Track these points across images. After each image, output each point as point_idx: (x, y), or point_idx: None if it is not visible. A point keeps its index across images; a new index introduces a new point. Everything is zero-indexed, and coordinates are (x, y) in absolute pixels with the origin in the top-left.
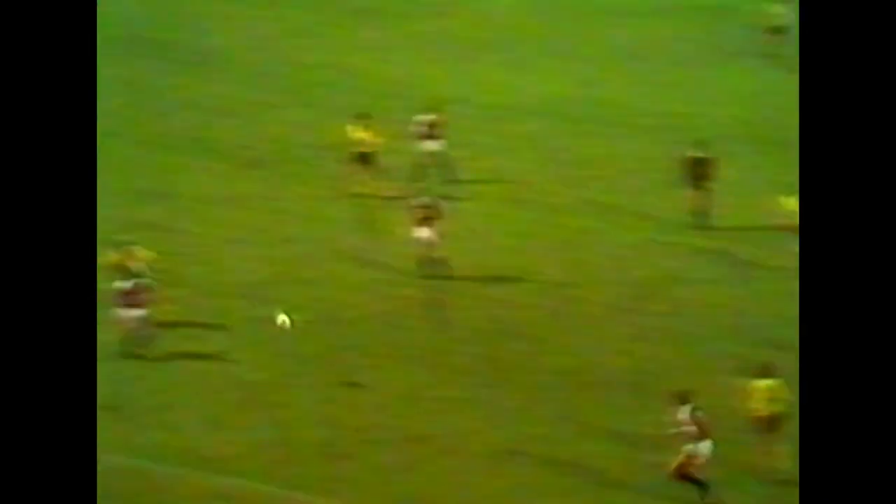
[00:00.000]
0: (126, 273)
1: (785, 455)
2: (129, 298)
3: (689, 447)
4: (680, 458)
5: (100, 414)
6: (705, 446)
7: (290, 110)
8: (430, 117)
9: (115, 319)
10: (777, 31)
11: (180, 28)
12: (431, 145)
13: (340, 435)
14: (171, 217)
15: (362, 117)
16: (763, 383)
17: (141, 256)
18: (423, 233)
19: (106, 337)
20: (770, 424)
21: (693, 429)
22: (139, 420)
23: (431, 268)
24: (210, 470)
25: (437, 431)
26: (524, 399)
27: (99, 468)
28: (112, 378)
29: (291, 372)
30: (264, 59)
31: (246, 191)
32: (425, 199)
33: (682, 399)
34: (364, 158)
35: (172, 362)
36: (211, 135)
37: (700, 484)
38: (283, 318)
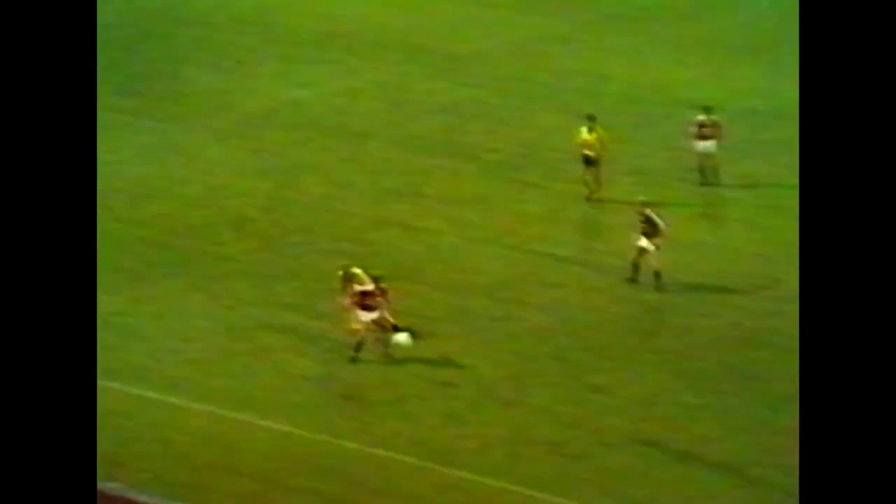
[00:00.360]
0: (357, 280)
1: None
2: (365, 300)
3: None
4: None
5: (336, 402)
6: None
7: (539, 115)
8: (706, 118)
9: (352, 321)
10: None
11: (435, 33)
12: (705, 146)
13: (575, 435)
14: (417, 216)
15: (589, 119)
16: None
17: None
18: (642, 242)
19: (344, 338)
20: None
21: None
22: (377, 410)
23: (651, 278)
24: (443, 463)
25: (674, 437)
26: (765, 409)
27: (338, 453)
28: (352, 369)
29: (528, 371)
30: (516, 65)
31: (491, 192)
32: (647, 212)
33: None
34: (588, 161)
35: (411, 356)
36: (461, 138)
37: None
38: (399, 338)
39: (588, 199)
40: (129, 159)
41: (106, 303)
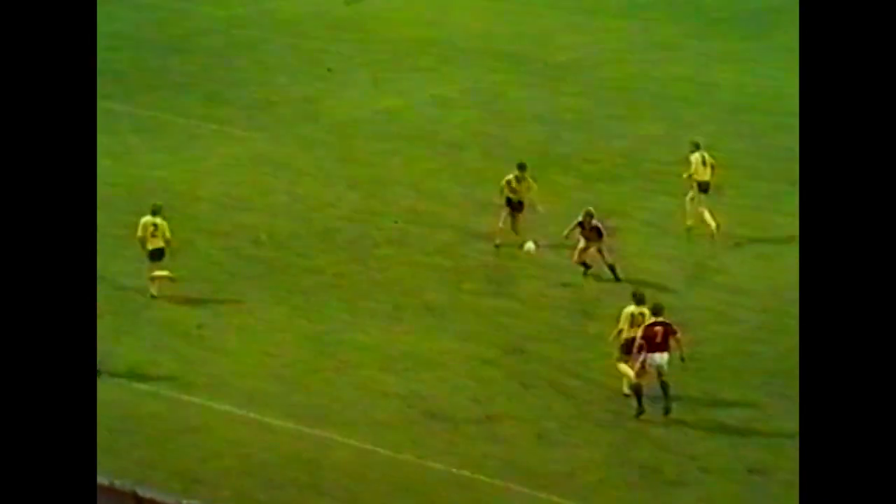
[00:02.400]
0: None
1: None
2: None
3: None
4: None
5: (422, 420)
6: None
7: (640, 124)
8: None
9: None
10: None
11: (533, 40)
12: None
13: (670, 460)
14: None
15: (520, 168)
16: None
17: None
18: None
19: (430, 355)
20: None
21: None
22: (465, 430)
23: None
24: (533, 486)
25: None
26: None
27: (423, 474)
28: (440, 386)
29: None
30: (617, 72)
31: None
32: (594, 222)
33: None
34: (511, 203)
35: (497, 377)
36: (558, 148)
37: None
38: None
39: (497, 246)
40: (215, 169)
41: (188, 315)
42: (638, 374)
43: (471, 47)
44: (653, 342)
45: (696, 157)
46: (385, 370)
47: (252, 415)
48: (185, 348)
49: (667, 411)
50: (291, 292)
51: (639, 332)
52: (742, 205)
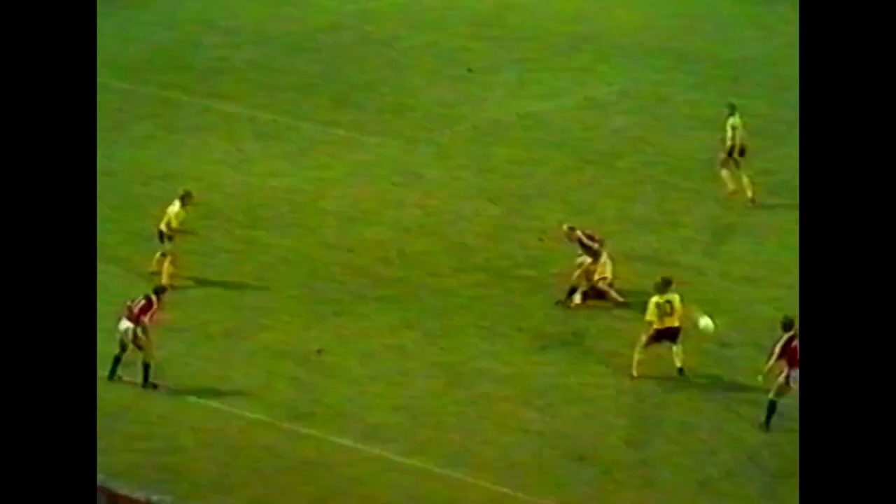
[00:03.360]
0: None
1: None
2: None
3: None
4: None
5: (566, 463)
6: None
7: None
8: None
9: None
10: None
11: (702, 35)
12: None
13: None
14: (670, 249)
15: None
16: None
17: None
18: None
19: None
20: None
21: None
22: (617, 474)
23: None
24: None
25: None
26: None
27: None
28: (588, 426)
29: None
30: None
31: (763, 222)
32: (577, 234)
33: None
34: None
35: (660, 414)
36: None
37: None
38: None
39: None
40: (341, 178)
41: (306, 338)
42: (780, 391)
43: (630, 43)
44: (794, 358)
45: (732, 122)
46: (525, 405)
47: (376, 450)
48: (302, 375)
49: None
50: (422, 316)
51: (777, 348)
52: None
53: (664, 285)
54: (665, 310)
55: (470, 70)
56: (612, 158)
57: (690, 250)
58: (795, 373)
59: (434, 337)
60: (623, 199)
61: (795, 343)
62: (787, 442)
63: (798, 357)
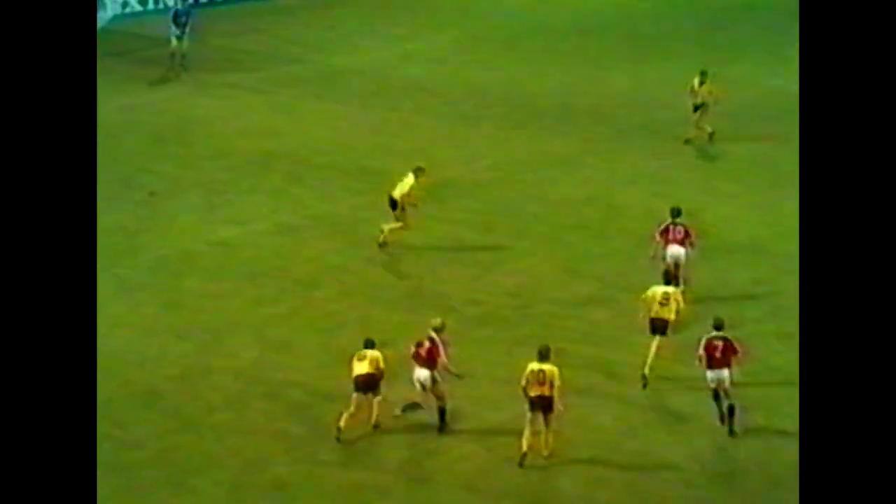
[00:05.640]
0: None
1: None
2: None
3: None
4: None
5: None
6: None
7: None
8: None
9: None
10: None
11: (404, 155)
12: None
13: None
14: None
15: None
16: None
17: None
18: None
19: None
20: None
21: None
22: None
23: None
24: None
25: None
26: None
27: None
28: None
29: None
30: None
31: None
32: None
33: None
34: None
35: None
36: None
37: None
38: None
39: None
40: None
41: None
42: (726, 394)
43: (324, 162)
44: (713, 358)
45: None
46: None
47: None
48: None
49: (731, 433)
50: None
51: (700, 346)
52: None
53: (541, 357)
54: (539, 378)
55: (152, 194)
56: (311, 289)
57: None
58: (710, 373)
59: None
60: (324, 332)
61: (718, 343)
62: (780, 448)
63: (718, 357)
